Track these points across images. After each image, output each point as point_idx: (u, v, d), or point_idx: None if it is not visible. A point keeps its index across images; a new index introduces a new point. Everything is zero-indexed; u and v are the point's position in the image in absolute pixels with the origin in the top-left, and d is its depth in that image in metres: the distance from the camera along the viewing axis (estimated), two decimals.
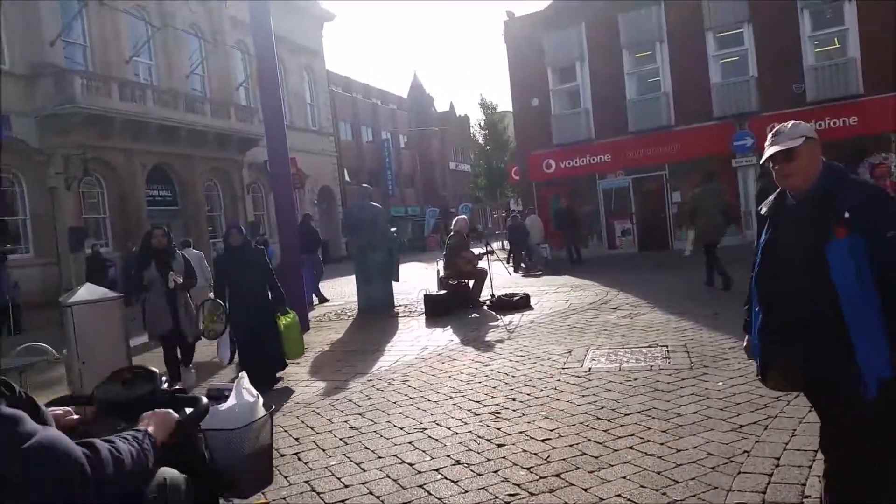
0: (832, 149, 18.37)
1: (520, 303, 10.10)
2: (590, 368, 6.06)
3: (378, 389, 6.09)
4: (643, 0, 20.16)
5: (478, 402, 5.37)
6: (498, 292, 10.95)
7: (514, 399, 5.34)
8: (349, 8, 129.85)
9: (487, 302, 10.59)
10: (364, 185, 12.82)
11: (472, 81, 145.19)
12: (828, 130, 17.82)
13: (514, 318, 9.40)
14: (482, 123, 43.84)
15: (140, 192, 23.39)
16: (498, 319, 9.41)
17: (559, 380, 5.78)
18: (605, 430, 4.42)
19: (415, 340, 8.35)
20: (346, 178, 42.68)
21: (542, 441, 4.34)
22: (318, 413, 5.55)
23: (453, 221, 11.67)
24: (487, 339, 8.10)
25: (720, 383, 5.20)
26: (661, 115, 20.11)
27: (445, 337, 8.42)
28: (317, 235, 14.76)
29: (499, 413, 5.01)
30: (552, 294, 11.64)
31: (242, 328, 6.99)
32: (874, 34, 17.15)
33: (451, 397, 5.59)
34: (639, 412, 4.69)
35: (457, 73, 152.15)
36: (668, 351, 6.46)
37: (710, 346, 6.53)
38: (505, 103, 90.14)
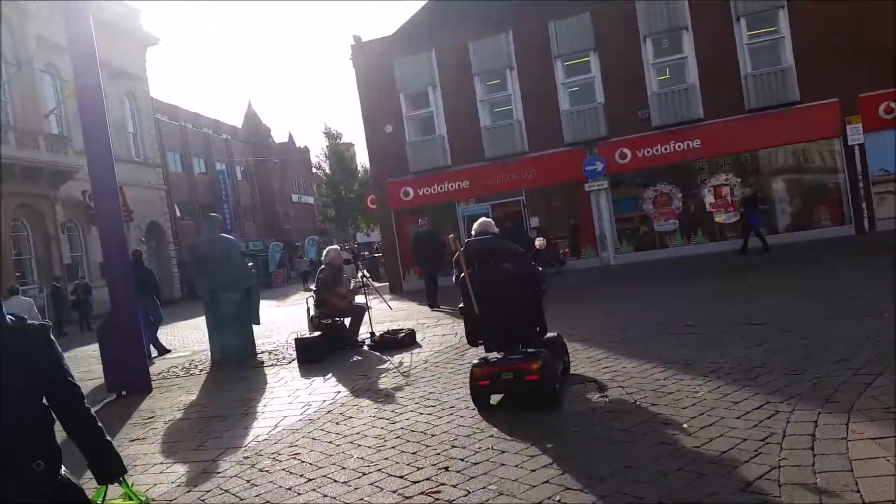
0: (676, 171, 19.38)
1: (406, 339, 9.00)
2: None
3: (261, 470, 4.68)
4: (491, 27, 20.17)
5: (402, 476, 4.18)
6: (376, 328, 9.78)
7: (447, 468, 4.21)
8: (175, 32, 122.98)
9: (367, 341, 9.37)
10: (212, 213, 11.11)
11: (311, 111, 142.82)
12: (673, 153, 18.71)
13: (404, 357, 8.28)
14: (327, 153, 42.49)
15: None
16: (386, 361, 8.23)
17: (492, 435, 4.74)
18: None
19: (293, 396, 6.94)
20: (178, 213, 39.30)
21: None
22: None
23: (324, 253, 10.31)
24: (382, 386, 6.89)
25: (685, 425, 4.44)
26: (515, 141, 20.10)
27: (330, 388, 7.09)
28: (152, 276, 12.70)
29: (437, 492, 3.87)
30: (435, 327, 10.65)
31: None
32: (711, 61, 18.31)
33: (364, 473, 4.34)
34: (612, 475, 3.77)
35: (294, 103, 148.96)
36: (598, 387, 5.67)
37: (640, 377, 5.83)
38: (349, 132, 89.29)
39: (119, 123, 32.77)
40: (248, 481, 4.49)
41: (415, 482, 4.05)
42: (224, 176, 46.55)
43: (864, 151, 17.59)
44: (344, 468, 4.50)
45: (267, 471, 4.66)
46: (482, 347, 5.71)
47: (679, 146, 18.66)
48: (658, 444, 4.16)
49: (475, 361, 5.54)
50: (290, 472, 4.54)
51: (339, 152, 41.12)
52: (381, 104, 21.53)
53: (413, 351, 8.64)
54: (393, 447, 4.80)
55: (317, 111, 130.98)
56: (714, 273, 14.19)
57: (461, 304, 5.73)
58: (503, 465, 4.14)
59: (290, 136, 63.72)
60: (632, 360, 6.53)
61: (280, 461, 4.84)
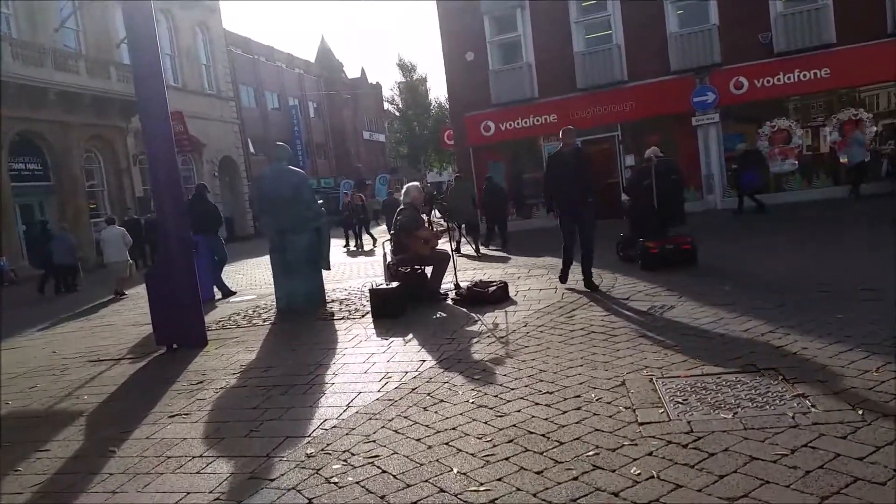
0: (799, 104, 16.91)
1: (497, 294, 7.60)
2: (689, 424, 3.61)
3: (328, 481, 3.42)
4: None
5: None
6: (460, 278, 8.42)
7: None
8: None
9: (451, 294, 8.03)
10: (279, 143, 9.86)
11: (384, 47, 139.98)
12: (797, 84, 16.25)
13: (497, 317, 6.90)
14: (401, 86, 40.82)
15: (2, 165, 19.65)
16: (476, 321, 6.86)
17: (651, 454, 3.30)
18: None
19: (368, 363, 5.67)
20: (251, 149, 38.78)
21: None
22: None
23: (402, 191, 8.91)
24: (477, 356, 5.54)
25: None
26: (614, 69, 17.97)
27: (412, 355, 5.79)
28: (216, 211, 11.68)
29: None
30: (527, 279, 9.20)
31: None
32: None
33: None
34: None
35: (367, 37, 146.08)
36: (784, 379, 4.10)
37: (838, 366, 4.23)
38: (423, 67, 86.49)
39: (191, 54, 32.05)
40: (309, 500, 3.23)
41: None
42: (297, 111, 45.69)
43: None
44: (443, 491, 3.16)
45: (335, 483, 3.38)
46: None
47: (805, 76, 16.14)
48: None
49: (642, 240, 8.79)
50: (368, 490, 3.26)
51: (413, 86, 39.32)
52: (462, 29, 19.71)
53: (507, 309, 7.24)
54: (507, 459, 3.44)
55: (390, 46, 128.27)
56: (832, 222, 12.27)
57: (628, 204, 9.46)
58: None
59: (363, 72, 62.18)
60: (808, 337, 4.91)
61: (354, 466, 3.56)
